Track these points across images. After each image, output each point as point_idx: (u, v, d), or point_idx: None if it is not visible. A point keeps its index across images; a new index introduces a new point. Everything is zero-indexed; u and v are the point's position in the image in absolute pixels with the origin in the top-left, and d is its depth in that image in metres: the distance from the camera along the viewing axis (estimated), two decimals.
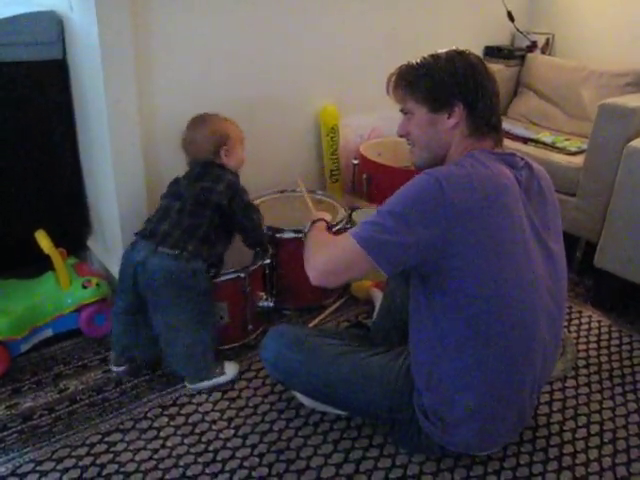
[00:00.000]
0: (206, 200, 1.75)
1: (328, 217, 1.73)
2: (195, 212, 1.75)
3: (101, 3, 1.69)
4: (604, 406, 1.78)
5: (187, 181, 1.82)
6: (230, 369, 1.85)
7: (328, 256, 1.38)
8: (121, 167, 1.93)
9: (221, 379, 1.82)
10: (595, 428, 1.70)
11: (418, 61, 1.42)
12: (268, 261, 2.00)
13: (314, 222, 1.65)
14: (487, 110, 1.38)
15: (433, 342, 1.38)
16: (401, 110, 1.47)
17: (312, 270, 1.38)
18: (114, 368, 1.86)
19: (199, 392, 1.79)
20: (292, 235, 2.03)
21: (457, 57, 1.39)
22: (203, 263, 1.73)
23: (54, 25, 1.93)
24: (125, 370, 1.86)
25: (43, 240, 1.90)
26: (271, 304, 2.01)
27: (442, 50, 1.42)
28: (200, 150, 1.84)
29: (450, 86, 1.36)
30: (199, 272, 1.71)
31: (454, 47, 1.42)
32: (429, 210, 1.25)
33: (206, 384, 1.79)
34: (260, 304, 1.99)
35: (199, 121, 1.87)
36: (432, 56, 1.41)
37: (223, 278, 1.87)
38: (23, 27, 1.87)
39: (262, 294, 2.01)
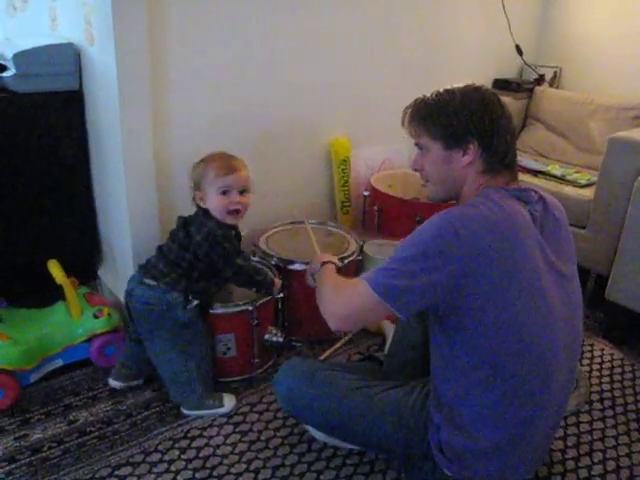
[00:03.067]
0: (188, 246, 1.78)
1: (335, 260, 1.72)
2: (180, 253, 1.79)
3: (120, 37, 1.73)
4: (620, 442, 1.76)
5: (182, 222, 1.82)
6: (228, 402, 1.85)
7: (345, 303, 1.37)
8: (134, 197, 1.94)
9: (219, 411, 1.82)
10: (612, 465, 1.68)
11: (434, 96, 1.40)
12: (281, 295, 1.99)
13: (323, 264, 1.65)
14: (502, 147, 1.37)
15: (454, 379, 1.37)
16: (416, 144, 1.46)
17: (330, 317, 1.39)
18: (111, 381, 1.90)
19: (210, 425, 1.77)
20: (303, 267, 2.02)
21: (473, 93, 1.37)
22: (180, 295, 1.75)
23: (72, 57, 1.97)
24: (122, 387, 1.90)
25: (55, 270, 1.91)
26: (280, 339, 1.99)
27: (458, 85, 1.40)
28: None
29: (465, 123, 1.34)
30: (175, 304, 1.75)
31: (471, 82, 1.41)
32: (443, 254, 1.24)
33: (200, 413, 1.81)
34: (269, 339, 1.98)
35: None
36: (448, 91, 1.39)
37: (231, 310, 1.88)
38: (42, 59, 1.91)
39: (272, 328, 2.00)
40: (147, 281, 1.78)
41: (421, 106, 1.42)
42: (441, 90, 1.41)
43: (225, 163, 1.78)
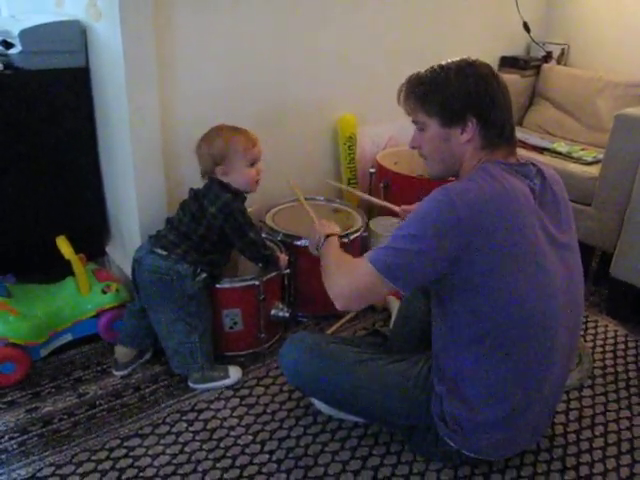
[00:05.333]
0: (201, 218, 1.80)
1: (337, 229, 1.73)
2: (191, 225, 1.81)
3: (125, 13, 1.72)
4: (621, 416, 1.78)
5: (193, 194, 1.85)
6: (233, 373, 1.88)
7: (349, 283, 1.39)
8: (142, 174, 1.95)
9: (225, 382, 1.85)
10: (613, 437, 1.70)
11: (428, 73, 1.38)
12: (288, 271, 2.00)
13: (327, 237, 1.65)
14: (500, 121, 1.36)
15: (456, 353, 1.39)
16: (413, 121, 1.44)
17: (336, 298, 1.41)
18: (115, 372, 1.91)
19: (217, 398, 1.80)
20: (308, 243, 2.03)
21: (468, 68, 1.35)
22: (190, 266, 1.78)
23: (78, 34, 1.96)
24: (126, 374, 1.90)
25: (64, 246, 1.93)
26: (287, 314, 2.01)
27: (452, 60, 1.38)
28: (202, 166, 1.85)
29: (462, 100, 1.33)
30: (184, 275, 1.77)
31: (465, 56, 1.39)
32: (442, 228, 1.26)
33: (207, 385, 1.84)
34: (276, 313, 2.00)
35: (205, 135, 1.83)
36: (441, 67, 1.37)
37: (237, 285, 1.90)
38: (48, 36, 1.90)
39: (278, 303, 2.02)
40: (157, 251, 1.79)
41: (415, 83, 1.41)
42: (435, 66, 1.39)
43: (248, 136, 1.83)
